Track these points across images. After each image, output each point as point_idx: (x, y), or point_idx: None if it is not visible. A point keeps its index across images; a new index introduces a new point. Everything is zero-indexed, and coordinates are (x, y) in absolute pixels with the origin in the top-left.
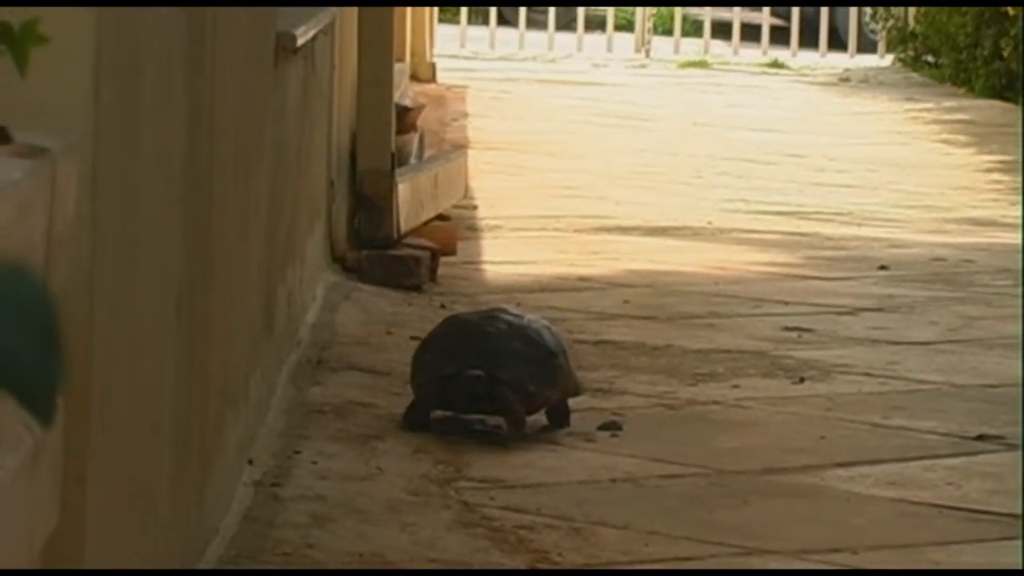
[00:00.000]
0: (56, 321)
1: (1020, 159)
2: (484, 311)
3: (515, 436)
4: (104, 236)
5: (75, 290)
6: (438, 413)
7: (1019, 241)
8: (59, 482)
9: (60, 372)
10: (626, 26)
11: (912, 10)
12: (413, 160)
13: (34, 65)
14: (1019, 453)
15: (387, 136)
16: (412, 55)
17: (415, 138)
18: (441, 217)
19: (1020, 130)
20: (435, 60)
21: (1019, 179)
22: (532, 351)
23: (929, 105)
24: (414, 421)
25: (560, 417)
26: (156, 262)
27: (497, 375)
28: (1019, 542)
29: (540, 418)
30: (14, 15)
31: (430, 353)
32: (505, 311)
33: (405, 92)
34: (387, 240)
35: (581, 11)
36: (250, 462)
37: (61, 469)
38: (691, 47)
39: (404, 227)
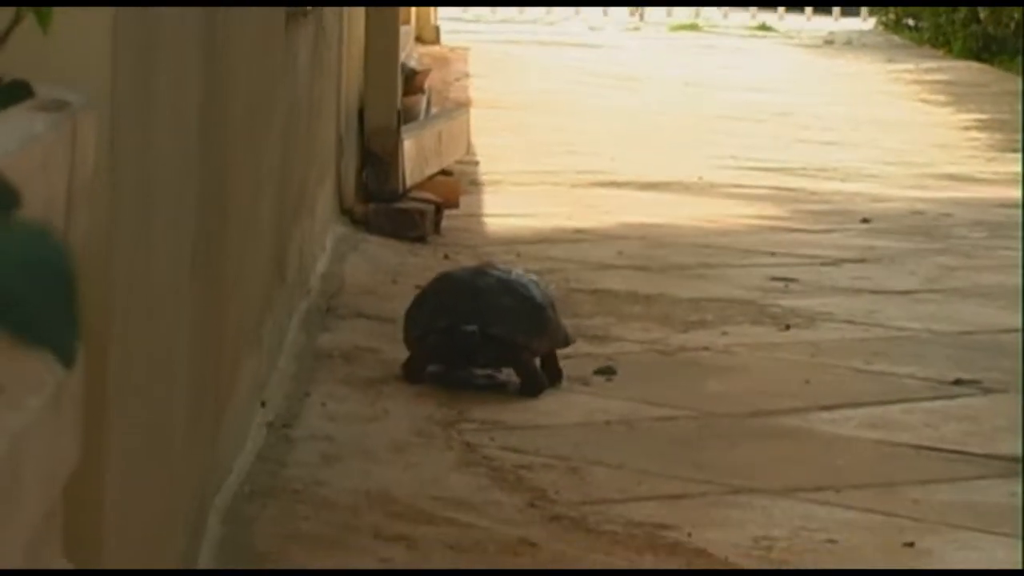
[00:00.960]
0: (74, 282)
1: (999, 118)
2: (473, 267)
3: (531, 393)
4: (123, 187)
5: (95, 239)
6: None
7: (995, 196)
8: (80, 422)
9: (76, 328)
10: None
11: None
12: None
13: (55, 23)
14: (995, 397)
15: (393, 95)
16: (417, 18)
17: (423, 99)
18: (444, 172)
19: (1020, 93)
20: (439, 23)
21: (995, 136)
22: (521, 305)
23: (909, 66)
24: (413, 375)
25: (552, 372)
26: (172, 213)
27: (488, 330)
28: (992, 481)
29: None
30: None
31: (422, 309)
32: (493, 267)
33: (410, 54)
34: (393, 194)
35: None
36: (263, 404)
37: (82, 410)
38: (683, 11)
39: (409, 182)
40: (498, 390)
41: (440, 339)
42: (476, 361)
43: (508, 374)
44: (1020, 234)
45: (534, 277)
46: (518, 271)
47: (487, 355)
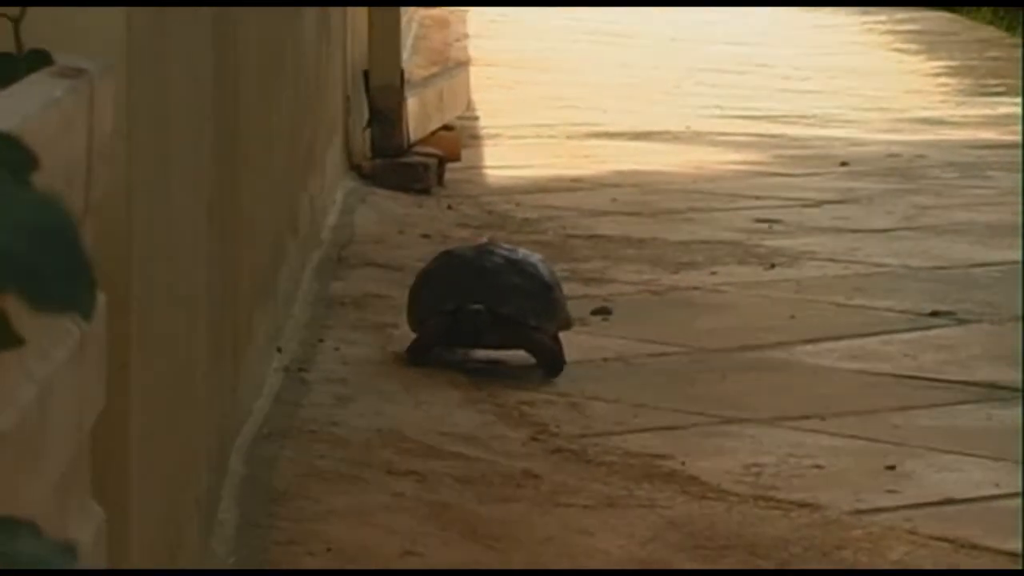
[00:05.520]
0: (82, 245)
1: (968, 64)
2: (477, 245)
3: (552, 372)
4: (139, 149)
5: (114, 198)
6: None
7: (965, 138)
8: (104, 369)
9: (90, 290)
10: None
11: None
12: None
13: None
14: (969, 327)
15: (397, 55)
16: None
17: None
18: (446, 127)
19: (1021, 55)
20: None
21: (964, 81)
22: (530, 285)
23: (882, 17)
24: (418, 358)
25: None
26: (188, 172)
27: (498, 310)
28: (968, 406)
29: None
30: None
31: (428, 289)
32: (498, 245)
33: (412, 16)
34: (398, 149)
35: None
36: (279, 350)
37: (106, 358)
38: None
39: (413, 137)
40: (517, 371)
41: (447, 321)
42: (484, 342)
43: (517, 356)
44: (993, 174)
45: (539, 256)
46: (523, 250)
47: (496, 336)
